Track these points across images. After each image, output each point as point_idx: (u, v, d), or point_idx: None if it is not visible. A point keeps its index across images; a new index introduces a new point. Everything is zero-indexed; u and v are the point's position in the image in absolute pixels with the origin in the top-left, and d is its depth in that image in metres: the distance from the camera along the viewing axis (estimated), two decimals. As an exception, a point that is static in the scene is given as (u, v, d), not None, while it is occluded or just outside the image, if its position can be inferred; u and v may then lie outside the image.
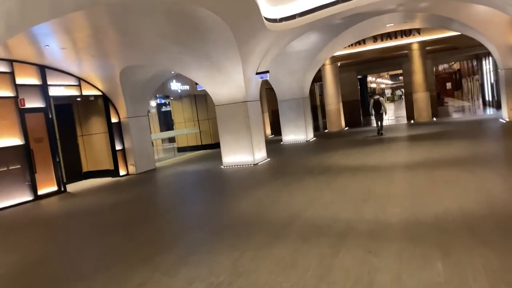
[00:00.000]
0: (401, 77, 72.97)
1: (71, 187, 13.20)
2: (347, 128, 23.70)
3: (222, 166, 13.82)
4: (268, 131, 25.30)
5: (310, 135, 19.64)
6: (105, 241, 6.74)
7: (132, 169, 14.91)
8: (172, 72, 15.22)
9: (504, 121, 16.57)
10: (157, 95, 18.67)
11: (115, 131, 14.72)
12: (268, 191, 9.03)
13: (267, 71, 13.61)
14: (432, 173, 8.68)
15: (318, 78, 24.21)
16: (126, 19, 10.65)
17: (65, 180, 12.77)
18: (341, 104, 23.77)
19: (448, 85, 49.34)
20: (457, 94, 46.49)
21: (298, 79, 18.93)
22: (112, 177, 14.67)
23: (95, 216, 8.78)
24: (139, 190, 11.67)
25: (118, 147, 14.75)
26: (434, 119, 21.95)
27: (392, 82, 77.83)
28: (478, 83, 31.38)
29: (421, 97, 21.72)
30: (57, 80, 12.88)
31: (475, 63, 31.62)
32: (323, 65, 22.95)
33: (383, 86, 71.58)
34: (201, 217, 7.74)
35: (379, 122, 17.70)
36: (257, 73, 13.61)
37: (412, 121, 22.26)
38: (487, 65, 27.19)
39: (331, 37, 17.32)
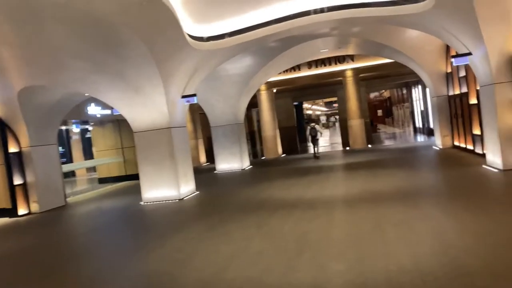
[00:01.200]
0: (335, 104, 74.96)
1: (-51, 233, 10.59)
2: (284, 155, 22.69)
3: (141, 203, 11.91)
4: (203, 158, 23.62)
5: (246, 163, 18.26)
6: None
7: (35, 207, 12.48)
8: (86, 94, 13.22)
9: (438, 148, 16.31)
10: (73, 121, 16.38)
11: (13, 162, 12.30)
12: (186, 238, 7.35)
13: (194, 94, 12.09)
14: (376, 210, 7.53)
15: (256, 103, 23.15)
16: (22, 28, 8.72)
17: None
18: (277, 131, 22.78)
19: (379, 112, 50.94)
20: (387, 121, 47.98)
21: (232, 104, 17.61)
22: (9, 217, 12.16)
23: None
24: (37, 234, 9.43)
25: (17, 181, 12.32)
26: (369, 146, 21.58)
27: (327, 109, 79.77)
28: (408, 110, 32.16)
29: (356, 124, 21.31)
30: None
31: (405, 91, 32.49)
32: (259, 90, 21.93)
33: (318, 113, 72.99)
34: (87, 283, 5.86)
35: (315, 148, 19.12)
36: (183, 96, 12.06)
37: (347, 148, 21.73)
38: (416, 93, 27.82)
39: (266, 61, 16.29)
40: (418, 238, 5.72)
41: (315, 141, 18.87)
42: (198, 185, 13.33)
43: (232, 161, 17.88)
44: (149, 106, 11.42)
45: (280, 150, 22.75)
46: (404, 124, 36.55)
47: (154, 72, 10.41)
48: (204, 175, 17.78)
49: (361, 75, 21.34)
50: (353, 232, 6.37)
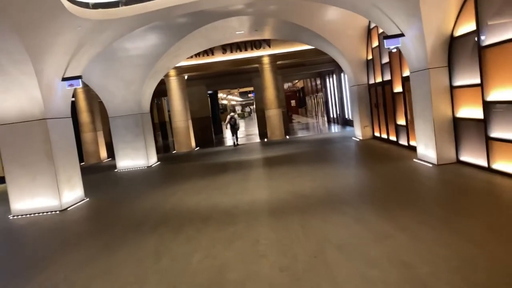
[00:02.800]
0: (250, 95, 74.47)
1: None
2: (198, 148, 20.53)
3: (10, 216, 9.04)
4: (104, 154, 20.49)
5: (152, 160, 15.80)
6: None
7: None
8: None
9: (358, 140, 15.47)
10: None
11: None
12: (51, 280, 4.99)
13: (79, 76, 9.42)
14: (311, 224, 5.87)
15: (166, 91, 20.61)
16: None
17: None
18: (190, 122, 20.53)
19: (293, 102, 50.89)
20: (301, 111, 48.04)
21: (134, 91, 14.97)
22: None
23: None
24: None
25: None
26: (287, 137, 20.36)
27: (242, 99, 78.83)
28: (322, 100, 31.86)
29: (274, 114, 19.90)
30: None
31: (318, 81, 32.11)
32: (168, 76, 19.44)
33: (234, 103, 71.59)
34: None
35: (234, 135, 19.40)
36: (63, 79, 9.33)
37: (265, 140, 20.28)
38: (330, 83, 27.37)
39: (174, 41, 13.94)
40: (376, 271, 4.12)
41: (234, 130, 19.18)
42: (90, 189, 10.74)
43: (136, 157, 15.31)
44: (13, 90, 8.56)
45: (193, 143, 20.54)
46: (317, 114, 36.44)
47: (15, 45, 7.62)
48: (102, 174, 14.99)
49: (278, 62, 19.91)
50: (288, 264, 4.58)
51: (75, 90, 19.27)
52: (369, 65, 14.65)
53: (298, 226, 5.82)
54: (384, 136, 13.97)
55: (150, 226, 6.84)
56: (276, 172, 10.67)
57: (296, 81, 44.36)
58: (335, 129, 23.45)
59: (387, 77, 12.87)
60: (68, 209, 9.14)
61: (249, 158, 14.23)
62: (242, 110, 75.07)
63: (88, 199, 10.00)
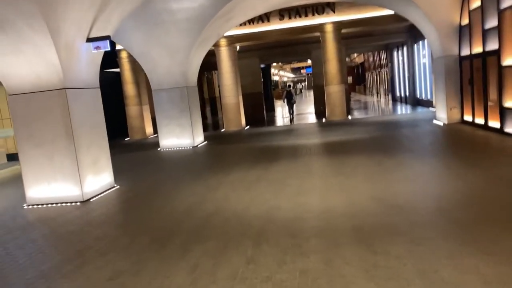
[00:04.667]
0: (303, 70, 71.20)
1: None
2: (248, 127, 18.49)
3: (24, 205, 7.50)
4: (150, 129, 19.04)
5: (198, 139, 13.96)
6: None
7: None
8: None
9: (442, 124, 12.60)
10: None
11: None
12: None
13: (107, 37, 7.49)
14: (434, 272, 3.56)
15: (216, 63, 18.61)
16: None
17: None
18: (241, 97, 18.46)
19: (350, 79, 47.28)
20: (358, 88, 44.46)
21: (180, 61, 13.03)
22: None
23: None
24: None
25: None
26: (349, 117, 17.73)
27: (293, 76, 75.76)
28: (386, 77, 28.52)
29: (336, 91, 17.28)
30: None
31: (383, 55, 28.69)
32: (218, 46, 17.35)
33: (285, 79, 68.66)
34: None
35: (291, 110, 19.32)
36: (88, 40, 7.46)
37: (324, 120, 17.80)
38: (399, 57, 24.05)
39: (225, 1, 11.74)
40: None
41: (291, 105, 19.22)
42: (125, 173, 9.10)
43: (180, 135, 13.52)
44: (26, 52, 6.80)
45: (243, 121, 18.51)
46: (379, 92, 33.04)
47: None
48: (143, 153, 13.37)
49: (343, 30, 17.13)
50: None
51: (120, 58, 17.75)
52: (463, 32, 11.62)
53: (413, 273, 3.53)
54: (479, 121, 11.06)
55: (182, 242, 4.84)
56: (347, 164, 8.30)
57: (355, 55, 40.79)
58: (404, 109, 20.39)
59: (492, 46, 9.89)
60: (92, 200, 7.42)
61: (308, 142, 11.91)
62: (293, 87, 72.05)
63: (118, 186, 8.26)
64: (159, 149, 13.64)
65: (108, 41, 7.42)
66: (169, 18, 12.01)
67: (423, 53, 19.76)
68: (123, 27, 12.11)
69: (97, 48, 7.44)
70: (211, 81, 31.42)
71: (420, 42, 19.71)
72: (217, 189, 7.29)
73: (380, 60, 30.90)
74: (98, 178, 7.84)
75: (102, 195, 7.73)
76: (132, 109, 18.32)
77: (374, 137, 11.69)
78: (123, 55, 17.60)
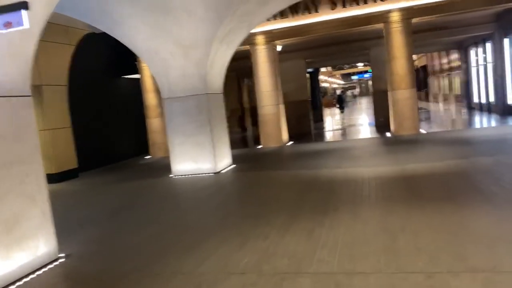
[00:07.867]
0: (353, 77, 66.12)
1: None
2: (291, 142, 14.75)
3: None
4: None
5: (223, 162, 10.45)
6: None
7: None
8: None
9: None
10: None
11: None
12: None
13: (23, 4, 4.16)
14: None
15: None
16: None
17: None
18: (282, 107, 14.83)
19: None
20: (419, 95, 39.12)
21: (197, 60, 9.65)
22: None
23: None
24: None
25: None
26: (423, 131, 13.47)
27: (344, 82, 70.87)
28: (459, 81, 23.62)
29: (405, 97, 13.11)
30: None
31: (455, 55, 23.81)
32: (254, 45, 13.88)
33: (335, 86, 63.96)
34: None
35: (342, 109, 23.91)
36: (-6, 12, 4.17)
37: (388, 135, 13.66)
38: (478, 56, 19.27)
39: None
40: None
41: (341, 108, 24.32)
42: (76, 232, 5.71)
43: (198, 158, 10.09)
44: None
45: (285, 135, 14.82)
46: (447, 99, 27.96)
47: None
48: (149, 182, 10.02)
49: (413, 19, 13.00)
50: None
51: (139, 62, 14.70)
52: None
53: None
54: None
55: None
56: (465, 228, 4.34)
57: (415, 58, 35.69)
58: (490, 121, 15.68)
59: None
60: (24, 280, 4.07)
61: (376, 171, 7.92)
62: (343, 93, 67.01)
63: (65, 260, 4.88)
64: (170, 175, 10.28)
65: (24, 11, 4.06)
66: (181, 2, 8.68)
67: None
68: (121, 16, 8.94)
69: (6, 25, 4.12)
70: (253, 88, 28.02)
71: (514, 34, 15.03)
72: (234, 278, 3.65)
73: (449, 62, 25.95)
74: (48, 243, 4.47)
75: (46, 269, 4.36)
76: (153, 122, 15.25)
77: (478, 165, 7.51)
78: (142, 58, 14.57)
